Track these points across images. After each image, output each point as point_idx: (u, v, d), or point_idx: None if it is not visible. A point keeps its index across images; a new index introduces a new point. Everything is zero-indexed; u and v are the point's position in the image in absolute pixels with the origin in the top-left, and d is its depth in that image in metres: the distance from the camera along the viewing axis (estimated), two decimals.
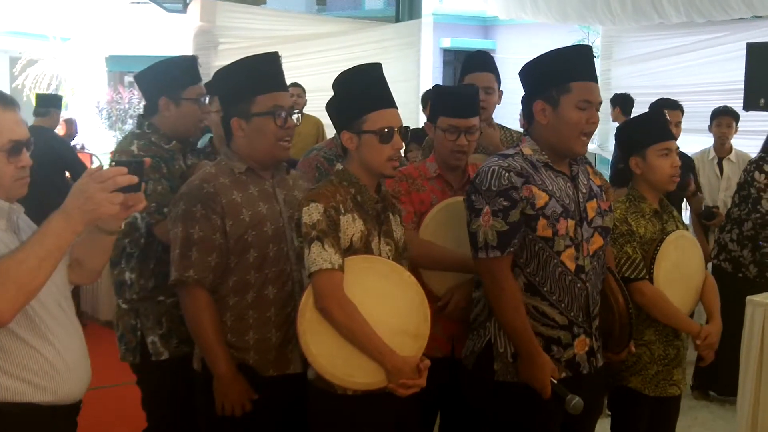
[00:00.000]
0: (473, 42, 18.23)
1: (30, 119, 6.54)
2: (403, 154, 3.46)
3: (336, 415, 2.36)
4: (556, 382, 2.44)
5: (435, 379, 2.55)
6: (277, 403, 2.52)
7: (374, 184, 2.47)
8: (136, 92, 12.29)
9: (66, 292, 2.11)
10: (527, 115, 2.55)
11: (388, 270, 2.39)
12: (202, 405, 2.59)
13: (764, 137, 6.37)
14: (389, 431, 2.41)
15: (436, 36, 17.39)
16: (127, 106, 13.76)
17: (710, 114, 5.75)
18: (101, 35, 13.59)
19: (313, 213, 2.31)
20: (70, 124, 8.20)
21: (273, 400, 2.52)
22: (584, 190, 2.54)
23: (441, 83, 12.27)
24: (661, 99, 4.96)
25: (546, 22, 10.39)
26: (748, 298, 3.73)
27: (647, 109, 4.44)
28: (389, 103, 2.45)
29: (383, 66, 2.53)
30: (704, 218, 5.46)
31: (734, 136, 5.75)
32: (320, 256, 2.27)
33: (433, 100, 2.98)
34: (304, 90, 7.23)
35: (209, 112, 3.10)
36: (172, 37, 10.19)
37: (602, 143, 10.17)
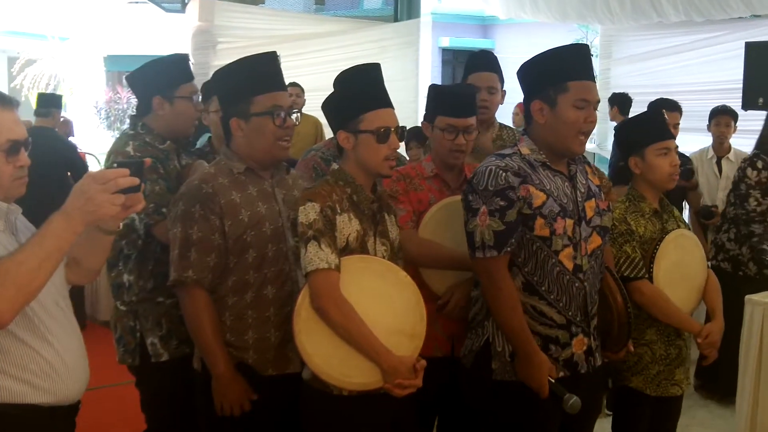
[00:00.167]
0: (472, 41, 18.25)
1: (28, 119, 6.53)
2: (405, 153, 3.46)
3: (332, 416, 2.36)
4: (553, 381, 2.44)
5: (435, 379, 2.55)
6: (277, 403, 2.52)
7: (370, 183, 2.47)
8: None
9: (64, 291, 2.11)
10: (525, 114, 2.56)
11: (384, 270, 2.39)
12: (202, 405, 2.59)
13: None
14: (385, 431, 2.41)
15: (435, 35, 17.37)
16: (125, 106, 13.75)
17: (709, 113, 5.75)
18: (100, 35, 13.59)
19: (309, 212, 2.31)
20: (66, 124, 8.18)
21: (272, 400, 2.52)
22: (582, 190, 2.54)
23: (440, 83, 12.26)
24: (660, 99, 4.96)
25: (545, 21, 10.39)
26: (747, 297, 3.73)
27: (646, 109, 4.45)
28: (386, 102, 2.44)
29: (382, 65, 2.53)
30: (702, 217, 5.46)
31: (733, 135, 5.75)
32: (317, 256, 2.27)
33: (430, 99, 2.98)
34: (302, 90, 7.23)
35: (203, 110, 3.09)
36: (170, 37, 10.18)
37: (601, 142, 10.17)
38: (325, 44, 8.94)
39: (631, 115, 7.84)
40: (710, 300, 3.06)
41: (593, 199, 2.56)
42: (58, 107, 6.49)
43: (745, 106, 6.36)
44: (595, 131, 9.62)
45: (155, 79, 2.93)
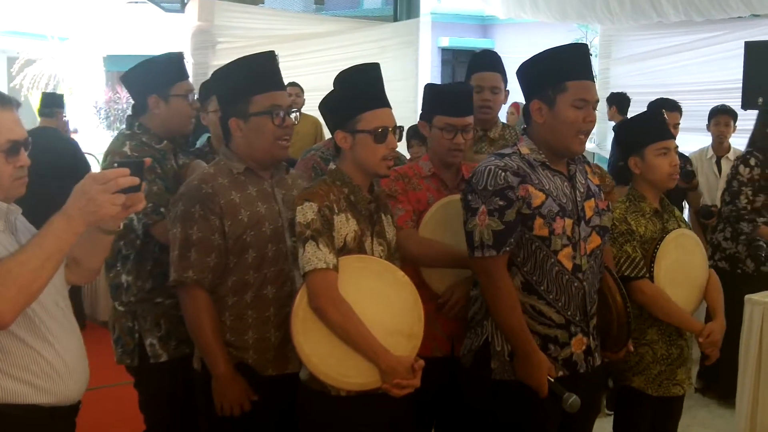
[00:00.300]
0: (471, 41, 18.24)
1: (27, 119, 6.52)
2: (406, 151, 3.46)
3: (330, 417, 2.36)
4: (552, 380, 2.44)
5: (434, 379, 2.55)
6: (277, 403, 2.52)
7: (367, 184, 2.47)
8: None
9: (63, 291, 2.11)
10: (525, 114, 2.56)
11: (382, 269, 2.39)
12: (202, 405, 2.59)
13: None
14: None
15: (435, 35, 17.36)
16: (125, 105, 13.73)
17: (708, 113, 5.75)
18: (99, 35, 13.58)
19: (307, 212, 2.31)
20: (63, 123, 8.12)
21: (272, 400, 2.52)
22: (582, 190, 2.54)
23: (439, 83, 12.26)
24: (660, 99, 4.96)
25: (545, 21, 10.39)
26: (747, 297, 3.73)
27: (646, 109, 4.45)
28: (383, 102, 2.44)
29: (382, 65, 2.53)
30: (702, 217, 5.47)
31: (732, 134, 5.75)
32: (315, 256, 2.27)
33: (427, 98, 2.97)
34: (302, 89, 7.23)
35: (199, 108, 3.09)
36: (170, 37, 10.17)
37: (600, 142, 10.17)
38: (325, 44, 8.93)
39: (629, 114, 7.86)
40: (711, 299, 3.06)
41: (592, 199, 2.56)
42: (62, 107, 6.50)
43: (745, 105, 6.36)
44: (594, 131, 9.62)
45: (150, 78, 2.93)
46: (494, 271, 2.43)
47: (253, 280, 2.52)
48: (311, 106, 6.37)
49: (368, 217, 2.45)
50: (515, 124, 4.72)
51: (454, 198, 2.77)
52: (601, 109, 8.00)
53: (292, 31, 9.10)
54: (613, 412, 3.26)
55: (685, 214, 5.62)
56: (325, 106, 2.52)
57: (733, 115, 5.68)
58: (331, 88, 2.52)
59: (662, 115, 3.25)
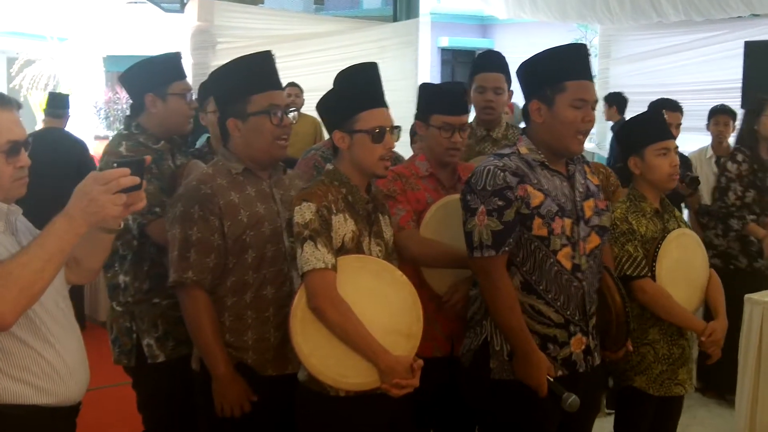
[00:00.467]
0: (471, 41, 18.24)
1: (27, 119, 6.51)
2: (410, 147, 3.46)
3: (329, 417, 2.35)
4: (552, 380, 2.44)
5: (434, 379, 2.55)
6: (277, 403, 2.52)
7: (365, 184, 2.47)
8: None
9: (64, 291, 2.11)
10: (524, 114, 2.56)
11: (380, 269, 2.39)
12: (201, 405, 2.58)
13: None
14: None
15: (434, 35, 17.37)
16: (124, 106, 13.72)
17: (708, 112, 5.75)
18: (99, 35, 13.55)
19: (305, 212, 2.31)
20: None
21: (272, 400, 2.52)
22: (581, 189, 2.54)
23: (439, 82, 12.24)
24: (661, 99, 4.96)
25: (545, 20, 10.39)
26: (747, 296, 3.74)
27: (646, 109, 4.45)
28: (381, 102, 2.45)
29: (381, 65, 2.53)
30: (702, 217, 5.46)
31: (732, 134, 5.75)
32: (313, 256, 2.27)
33: (423, 98, 2.97)
34: (301, 90, 7.23)
35: (197, 108, 3.09)
36: (169, 37, 10.16)
37: (600, 142, 10.18)
38: (325, 44, 8.93)
39: (627, 114, 7.88)
40: (713, 299, 3.06)
41: (592, 199, 2.56)
42: (68, 107, 6.52)
43: (745, 105, 6.36)
44: (593, 130, 9.63)
45: (147, 77, 2.94)
46: (493, 271, 2.43)
47: (253, 281, 2.52)
48: (311, 107, 6.38)
49: (366, 217, 2.45)
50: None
51: (454, 198, 2.77)
52: (601, 108, 8.03)
53: (291, 31, 9.10)
54: (613, 411, 3.26)
55: (684, 215, 5.62)
56: (322, 106, 2.52)
57: (733, 115, 5.68)
58: (331, 88, 2.52)
59: (662, 115, 3.25)
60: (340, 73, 2.48)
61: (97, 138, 11.20)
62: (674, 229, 3.01)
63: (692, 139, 6.29)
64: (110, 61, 14.27)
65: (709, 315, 3.07)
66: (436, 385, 2.70)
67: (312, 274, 2.27)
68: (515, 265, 2.46)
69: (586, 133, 2.48)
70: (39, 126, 7.28)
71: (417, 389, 2.37)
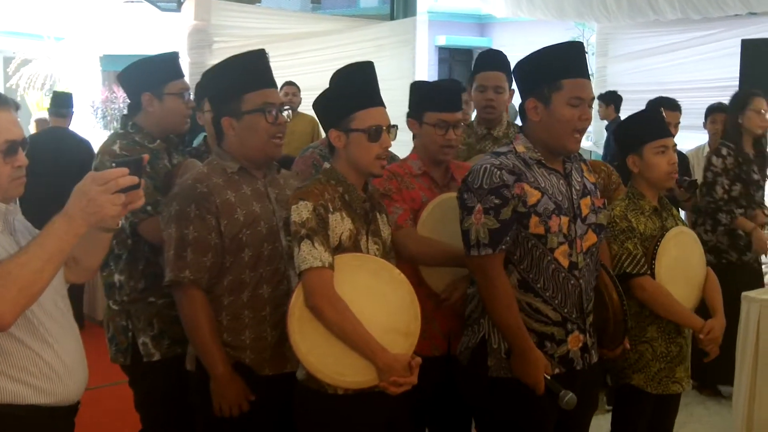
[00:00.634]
0: (469, 40, 18.23)
1: (23, 119, 6.50)
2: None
3: (327, 416, 2.35)
4: (549, 378, 2.44)
5: (431, 378, 2.55)
6: (275, 403, 2.52)
7: (362, 182, 2.46)
8: None
9: (63, 290, 2.11)
10: (521, 112, 2.56)
11: (378, 268, 2.39)
12: (198, 405, 2.58)
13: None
14: (381, 431, 2.41)
15: (431, 34, 17.36)
16: (122, 105, 13.71)
17: (705, 110, 5.76)
18: (95, 35, 13.54)
19: (302, 211, 2.31)
20: (46, 124, 8.03)
21: (270, 400, 2.51)
22: (578, 187, 2.55)
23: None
24: (660, 98, 4.97)
25: (542, 19, 10.40)
26: (744, 294, 3.74)
27: (643, 107, 4.46)
28: (377, 101, 2.45)
29: (378, 64, 2.53)
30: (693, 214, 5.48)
31: None
32: (310, 254, 2.27)
33: (416, 96, 2.97)
34: (299, 89, 7.23)
35: (194, 107, 3.09)
36: (166, 36, 10.15)
37: (597, 140, 10.19)
38: (322, 43, 8.93)
39: (622, 112, 7.90)
40: (710, 297, 3.07)
41: (588, 197, 2.56)
42: (72, 106, 6.52)
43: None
44: (591, 129, 9.66)
45: (144, 76, 2.94)
46: (490, 270, 2.43)
47: (249, 280, 2.52)
48: (308, 105, 6.38)
49: (363, 215, 2.45)
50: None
51: (450, 196, 2.77)
52: (596, 107, 8.05)
53: (289, 30, 9.10)
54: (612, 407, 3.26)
55: (682, 214, 5.63)
56: (319, 104, 2.52)
57: None
58: (328, 87, 2.51)
59: (661, 113, 3.26)
60: (336, 72, 2.48)
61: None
62: (672, 227, 3.01)
63: (689, 138, 6.30)
64: (107, 60, 14.26)
65: (703, 312, 3.07)
66: (433, 384, 2.70)
67: (309, 272, 2.27)
68: (512, 263, 2.46)
69: (582, 131, 2.48)
70: (32, 125, 7.28)
71: (415, 387, 2.37)
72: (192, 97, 3.11)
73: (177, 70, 3.01)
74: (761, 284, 4.88)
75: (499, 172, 2.41)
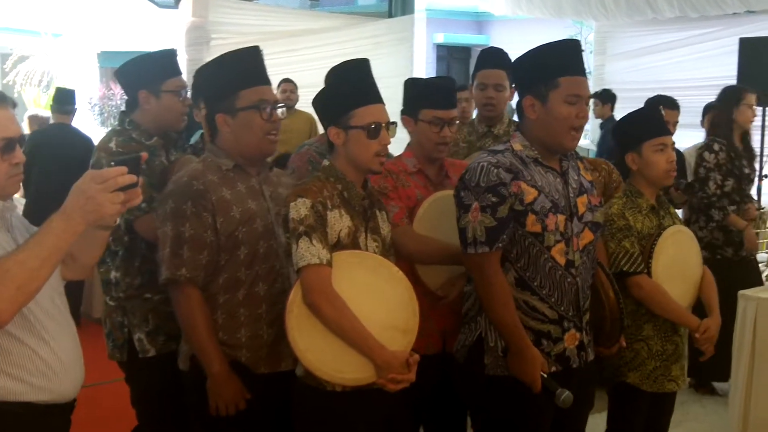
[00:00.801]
0: (467, 37, 18.20)
1: (20, 116, 6.50)
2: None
3: (325, 413, 2.36)
4: (546, 376, 2.45)
5: (427, 376, 2.55)
6: (271, 401, 2.51)
7: (361, 180, 2.46)
8: None
9: (60, 288, 2.11)
10: (518, 110, 2.56)
11: (377, 265, 2.39)
12: (194, 404, 2.57)
13: (758, 132, 6.40)
14: (379, 428, 2.41)
15: (430, 31, 17.34)
16: (119, 102, 13.69)
17: (702, 109, 5.77)
18: (93, 31, 13.52)
19: (300, 208, 2.31)
20: (39, 120, 7.99)
21: (266, 398, 2.51)
22: (574, 186, 2.55)
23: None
24: (659, 96, 4.99)
25: (540, 17, 10.40)
26: (740, 292, 3.75)
27: (641, 105, 4.46)
28: (376, 98, 2.45)
29: (376, 62, 2.53)
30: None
31: None
32: (308, 251, 2.27)
33: (411, 93, 2.96)
34: (296, 86, 7.23)
35: (191, 104, 3.09)
36: (164, 33, 10.14)
37: (595, 138, 10.19)
38: (320, 40, 8.92)
39: (621, 110, 7.90)
40: (706, 296, 3.07)
41: (585, 195, 2.57)
42: (74, 103, 6.52)
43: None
44: (589, 127, 9.67)
45: (141, 73, 2.94)
46: (487, 267, 2.43)
47: (245, 278, 2.51)
48: (306, 103, 6.37)
49: (362, 213, 2.45)
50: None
51: (446, 193, 2.77)
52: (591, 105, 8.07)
53: (286, 27, 9.09)
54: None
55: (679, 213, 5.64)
56: (318, 102, 2.52)
57: None
58: (327, 84, 2.51)
59: (659, 111, 3.26)
60: (331, 69, 2.49)
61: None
62: (670, 225, 3.02)
63: (687, 136, 6.30)
64: (104, 57, 14.24)
65: (699, 311, 3.08)
66: (428, 381, 2.70)
67: (307, 269, 2.27)
68: (509, 261, 2.46)
69: (579, 129, 2.48)
70: (24, 122, 7.26)
71: (413, 384, 2.37)
72: (189, 94, 3.11)
73: (174, 68, 3.01)
74: (758, 278, 4.91)
75: (496, 170, 2.41)
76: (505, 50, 3.59)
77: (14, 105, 2.00)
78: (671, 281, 2.95)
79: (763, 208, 6.24)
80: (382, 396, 2.34)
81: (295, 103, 7.10)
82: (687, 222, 4.87)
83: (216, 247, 2.48)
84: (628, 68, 10.20)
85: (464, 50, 18.44)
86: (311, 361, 2.30)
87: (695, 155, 4.83)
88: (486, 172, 2.41)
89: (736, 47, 6.99)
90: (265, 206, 2.57)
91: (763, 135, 6.74)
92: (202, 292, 2.49)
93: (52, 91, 8.34)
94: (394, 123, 2.50)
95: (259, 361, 2.53)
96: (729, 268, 4.53)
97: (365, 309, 2.31)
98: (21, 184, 2.06)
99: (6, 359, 1.91)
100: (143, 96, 2.91)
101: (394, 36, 9.62)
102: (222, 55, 2.59)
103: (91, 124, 13.17)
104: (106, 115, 13.67)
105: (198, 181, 2.49)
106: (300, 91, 7.19)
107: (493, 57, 3.52)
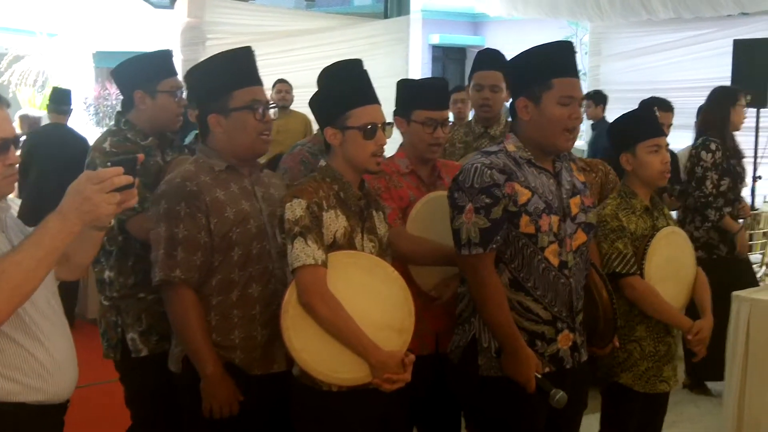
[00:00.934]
0: (462, 38, 18.21)
1: (15, 116, 6.49)
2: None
3: (321, 412, 2.36)
4: (540, 376, 2.45)
5: (421, 377, 2.55)
6: (265, 402, 2.51)
7: (357, 180, 2.47)
8: None
9: (54, 288, 2.10)
10: (511, 111, 2.57)
11: (372, 265, 2.39)
12: (187, 405, 2.56)
13: (751, 133, 6.43)
14: (374, 427, 2.41)
15: (425, 32, 17.35)
16: (114, 102, 13.66)
17: (697, 110, 5.78)
18: (88, 31, 13.49)
19: (295, 209, 2.31)
20: (30, 120, 7.92)
21: (260, 399, 2.50)
22: (567, 187, 2.55)
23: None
24: (653, 98, 4.99)
25: (536, 18, 10.42)
26: (734, 293, 3.76)
27: (636, 106, 4.47)
28: (372, 99, 2.45)
29: (372, 62, 2.54)
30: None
31: None
32: (303, 252, 2.27)
33: (403, 94, 2.96)
34: (291, 86, 7.23)
35: (186, 105, 3.09)
36: (159, 33, 10.13)
37: (588, 139, 10.20)
38: (315, 41, 8.93)
39: (615, 111, 7.92)
40: (699, 297, 3.08)
41: (578, 196, 2.57)
42: (71, 103, 6.51)
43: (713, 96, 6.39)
44: (583, 128, 9.69)
45: (137, 73, 2.94)
46: (481, 269, 2.43)
47: (239, 279, 2.50)
48: (301, 103, 6.38)
49: (358, 213, 2.45)
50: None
51: (439, 194, 2.77)
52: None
53: (282, 27, 9.10)
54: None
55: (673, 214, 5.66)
56: (314, 103, 2.52)
57: None
58: (323, 85, 2.51)
59: (654, 112, 3.27)
60: (324, 69, 2.49)
61: None
62: (663, 226, 3.02)
63: (681, 137, 6.31)
64: (100, 57, 14.20)
65: (692, 312, 3.09)
66: (422, 381, 2.70)
67: (302, 270, 2.27)
68: (503, 262, 2.47)
69: (573, 130, 2.48)
70: (15, 122, 7.24)
71: (408, 384, 2.37)
72: (184, 94, 3.11)
73: (170, 68, 3.01)
74: (753, 279, 4.92)
75: (489, 172, 2.41)
76: (501, 51, 3.60)
77: (8, 105, 2.00)
78: (664, 282, 2.96)
79: (756, 209, 6.26)
80: (378, 396, 2.35)
81: (290, 103, 7.10)
82: (681, 223, 4.88)
83: (210, 249, 2.48)
84: (623, 69, 10.22)
85: (460, 51, 18.45)
86: (307, 362, 2.30)
87: (689, 156, 4.84)
88: (480, 174, 2.42)
89: (730, 49, 7.01)
90: (258, 207, 2.57)
91: (757, 136, 6.78)
92: (195, 294, 2.49)
93: (47, 91, 8.32)
94: (391, 123, 2.51)
95: (253, 362, 2.52)
96: (725, 267, 4.54)
97: (361, 309, 2.31)
98: (16, 185, 2.05)
99: (0, 359, 1.91)
100: (139, 96, 2.91)
101: (390, 36, 9.63)
102: (214, 56, 2.60)
103: (87, 124, 13.14)
104: (101, 115, 13.65)
105: (191, 182, 2.49)
106: (295, 92, 7.19)
107: (490, 58, 3.53)
